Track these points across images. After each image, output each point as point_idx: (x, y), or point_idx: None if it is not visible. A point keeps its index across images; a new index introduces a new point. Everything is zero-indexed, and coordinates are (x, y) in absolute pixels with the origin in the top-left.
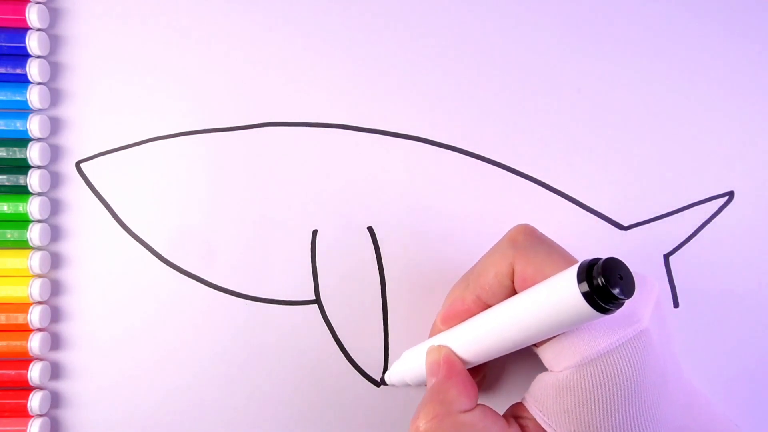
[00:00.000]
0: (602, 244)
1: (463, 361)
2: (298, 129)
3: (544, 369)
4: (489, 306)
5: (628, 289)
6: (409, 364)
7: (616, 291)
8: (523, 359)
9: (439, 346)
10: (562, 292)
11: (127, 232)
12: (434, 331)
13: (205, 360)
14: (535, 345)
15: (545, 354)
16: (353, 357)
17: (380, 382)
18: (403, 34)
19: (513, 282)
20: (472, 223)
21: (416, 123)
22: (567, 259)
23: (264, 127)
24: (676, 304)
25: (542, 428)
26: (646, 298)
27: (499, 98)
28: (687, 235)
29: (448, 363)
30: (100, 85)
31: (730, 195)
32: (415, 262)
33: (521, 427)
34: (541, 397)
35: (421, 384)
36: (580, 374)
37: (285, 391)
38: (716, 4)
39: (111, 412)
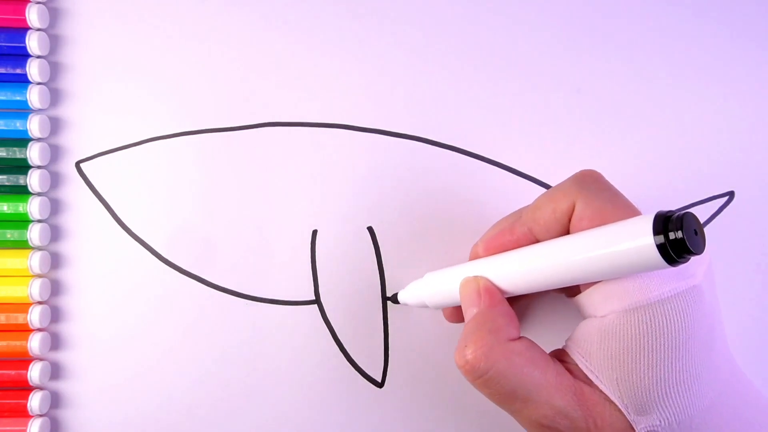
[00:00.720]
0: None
1: (503, 292)
2: (298, 129)
3: (573, 321)
4: (537, 241)
5: (700, 245)
6: (434, 287)
7: (690, 246)
8: (553, 310)
9: (475, 277)
10: (635, 237)
11: (127, 232)
12: (473, 256)
13: (205, 360)
14: (575, 289)
15: (589, 298)
16: (353, 357)
17: (393, 300)
18: (403, 34)
19: (569, 221)
20: (472, 223)
21: (416, 123)
22: (630, 208)
23: (263, 127)
24: None
25: (583, 374)
26: (701, 257)
27: (499, 98)
28: None
29: (489, 293)
30: (100, 85)
31: (730, 195)
32: (415, 262)
33: (567, 370)
34: (584, 343)
35: (440, 306)
36: (628, 319)
37: (285, 391)
38: (716, 4)
39: (111, 412)
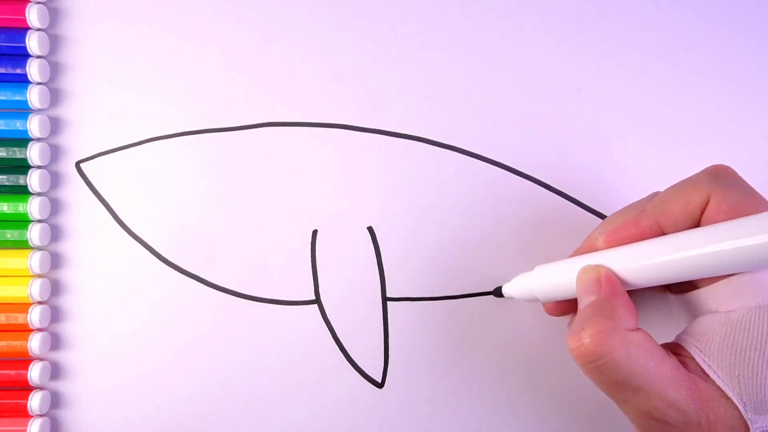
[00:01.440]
0: None
1: (625, 283)
2: (298, 129)
3: (673, 318)
4: (664, 234)
5: None
6: (547, 278)
7: None
8: (655, 308)
9: (596, 265)
10: (763, 230)
11: (127, 232)
12: (587, 248)
13: (205, 360)
14: (688, 286)
15: (715, 292)
16: (353, 357)
17: (496, 294)
18: (403, 34)
19: (701, 215)
20: (472, 223)
21: (416, 123)
22: (766, 205)
23: (264, 127)
24: None
25: (700, 368)
26: None
27: (499, 98)
28: None
29: (610, 282)
30: (100, 85)
31: None
32: (415, 262)
33: (682, 363)
34: (703, 337)
35: (551, 299)
36: (760, 316)
37: (285, 391)
38: (716, 4)
39: (111, 412)
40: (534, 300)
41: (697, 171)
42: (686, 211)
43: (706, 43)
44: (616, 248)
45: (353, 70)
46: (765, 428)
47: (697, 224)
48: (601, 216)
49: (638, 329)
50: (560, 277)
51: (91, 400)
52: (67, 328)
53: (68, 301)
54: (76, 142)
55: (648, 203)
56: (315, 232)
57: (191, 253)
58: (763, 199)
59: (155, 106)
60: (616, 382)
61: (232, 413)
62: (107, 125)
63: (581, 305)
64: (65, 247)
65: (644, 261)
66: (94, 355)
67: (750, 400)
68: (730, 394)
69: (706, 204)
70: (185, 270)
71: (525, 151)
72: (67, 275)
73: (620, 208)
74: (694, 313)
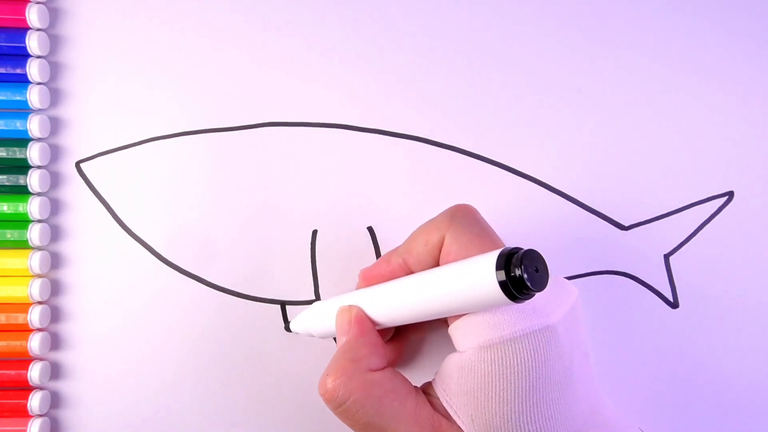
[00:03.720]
0: (602, 244)
1: (374, 323)
2: (298, 129)
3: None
4: (411, 273)
5: (542, 282)
6: (318, 317)
7: (530, 283)
8: (443, 341)
9: (350, 306)
10: (478, 273)
11: (127, 232)
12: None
13: (206, 360)
14: (447, 323)
15: (454, 332)
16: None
17: (285, 329)
18: (403, 34)
19: (440, 254)
20: None
21: (416, 123)
22: (496, 244)
23: (264, 127)
24: (676, 304)
25: (444, 408)
26: (562, 299)
27: (499, 98)
28: (687, 235)
29: (359, 322)
30: (100, 85)
31: (730, 195)
32: None
33: (429, 402)
34: (446, 377)
35: (325, 337)
36: (482, 356)
37: (285, 391)
38: (716, 4)
39: (111, 412)
40: (313, 337)
41: (697, 171)
42: (427, 251)
43: (706, 43)
44: (369, 288)
45: (353, 70)
46: None
47: (437, 264)
48: (602, 216)
49: (383, 368)
50: (329, 315)
51: (91, 400)
52: (67, 328)
53: (68, 301)
54: (76, 142)
55: (402, 243)
56: (315, 232)
57: (191, 253)
58: (495, 240)
59: (155, 106)
60: (363, 425)
61: (232, 413)
62: (107, 125)
63: (336, 347)
64: (65, 247)
65: (380, 301)
66: (94, 355)
67: None
68: None
69: (443, 242)
70: (185, 270)
71: (525, 151)
72: (67, 275)
73: (620, 208)
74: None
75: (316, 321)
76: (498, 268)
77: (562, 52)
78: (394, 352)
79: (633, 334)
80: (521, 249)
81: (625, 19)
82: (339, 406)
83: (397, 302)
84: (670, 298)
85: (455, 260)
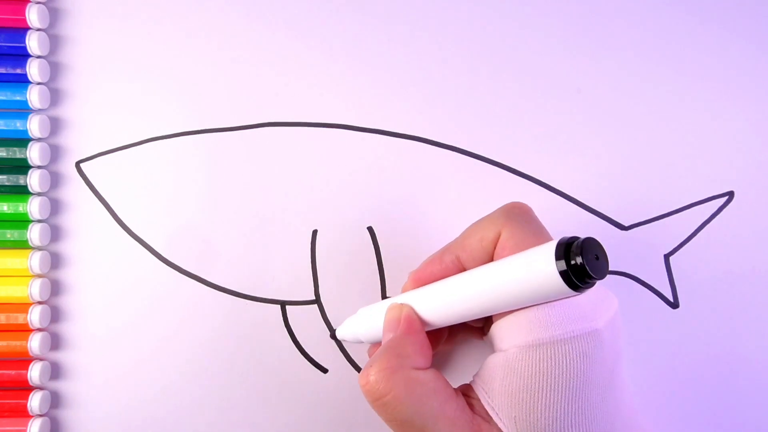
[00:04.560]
0: (603, 244)
1: (424, 323)
2: (298, 129)
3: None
4: (466, 270)
5: (603, 269)
6: (366, 320)
7: (590, 270)
8: (476, 344)
9: (401, 304)
10: (538, 263)
11: (127, 232)
12: (404, 290)
13: (206, 360)
14: (490, 321)
15: (498, 330)
16: (353, 357)
17: (331, 337)
18: (403, 34)
19: (494, 250)
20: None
21: (416, 123)
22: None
23: (264, 127)
24: (676, 304)
25: (485, 410)
26: (606, 306)
27: (499, 98)
28: (687, 235)
29: (407, 320)
30: (100, 85)
31: (730, 195)
32: (415, 262)
33: (468, 404)
34: (488, 378)
35: (375, 341)
36: (530, 355)
37: (285, 391)
38: (716, 4)
39: (111, 412)
40: (361, 342)
41: (697, 171)
42: (482, 247)
43: (706, 43)
44: (421, 288)
45: (353, 70)
46: None
47: (491, 259)
48: (602, 216)
49: (428, 368)
50: (378, 319)
51: (91, 399)
52: (67, 328)
53: (68, 301)
54: (76, 142)
55: (454, 241)
56: (315, 232)
57: (191, 253)
58: (549, 237)
59: (155, 106)
60: (401, 421)
61: (232, 413)
62: (107, 125)
63: (382, 343)
64: (65, 247)
65: (440, 299)
66: (94, 355)
67: None
68: None
69: (498, 239)
70: (185, 270)
71: (525, 152)
72: (67, 275)
73: (620, 208)
74: (492, 352)
75: (365, 324)
76: (558, 257)
77: (562, 52)
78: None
79: (633, 334)
80: (579, 237)
81: (625, 19)
82: (378, 399)
83: (451, 299)
84: (670, 298)
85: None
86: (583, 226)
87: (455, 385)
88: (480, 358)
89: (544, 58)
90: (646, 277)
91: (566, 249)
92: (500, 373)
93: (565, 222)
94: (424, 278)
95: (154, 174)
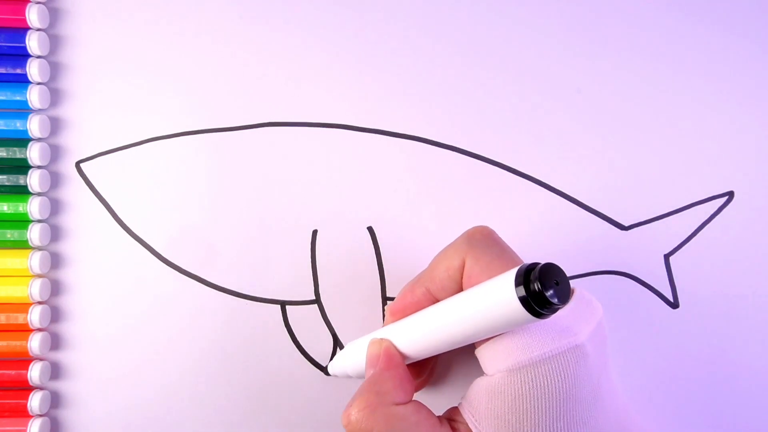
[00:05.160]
0: (602, 244)
1: (404, 356)
2: (298, 129)
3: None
4: (438, 301)
5: (563, 295)
6: (351, 356)
7: (550, 295)
8: (469, 363)
9: (381, 339)
10: (499, 293)
11: (127, 232)
12: (386, 324)
13: (205, 360)
14: (475, 347)
15: (482, 356)
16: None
17: (324, 372)
18: (403, 34)
19: (461, 278)
20: (472, 224)
21: (416, 123)
22: (516, 263)
23: (264, 127)
24: (676, 304)
25: None
26: (588, 317)
27: (499, 98)
28: (687, 235)
29: (387, 356)
30: (100, 85)
31: (730, 195)
32: (415, 262)
33: (453, 429)
34: (474, 401)
35: (362, 376)
36: (512, 379)
37: (285, 391)
38: (716, 4)
39: (111, 412)
40: (351, 378)
41: (697, 171)
42: (449, 276)
43: (706, 43)
44: (398, 322)
45: (353, 70)
46: None
47: (461, 288)
48: (602, 216)
49: (408, 402)
50: (361, 353)
51: (91, 399)
52: (67, 328)
53: (68, 301)
54: (76, 142)
55: (424, 271)
56: (315, 232)
57: (191, 253)
58: (515, 258)
59: (155, 106)
60: None
61: (232, 413)
62: (107, 125)
63: (364, 379)
64: (65, 247)
65: (413, 333)
66: (94, 355)
67: None
68: None
69: (464, 267)
70: (185, 270)
71: (525, 152)
72: (67, 275)
73: (620, 208)
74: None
75: (352, 359)
76: (517, 284)
77: (562, 52)
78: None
79: (633, 334)
80: (539, 264)
81: (626, 19)
82: None
83: (423, 333)
84: (670, 298)
85: (478, 284)
86: (583, 226)
87: (447, 406)
88: (472, 375)
89: (544, 58)
90: (646, 277)
91: (525, 276)
92: (485, 397)
93: (565, 222)
94: (398, 311)
95: (155, 174)
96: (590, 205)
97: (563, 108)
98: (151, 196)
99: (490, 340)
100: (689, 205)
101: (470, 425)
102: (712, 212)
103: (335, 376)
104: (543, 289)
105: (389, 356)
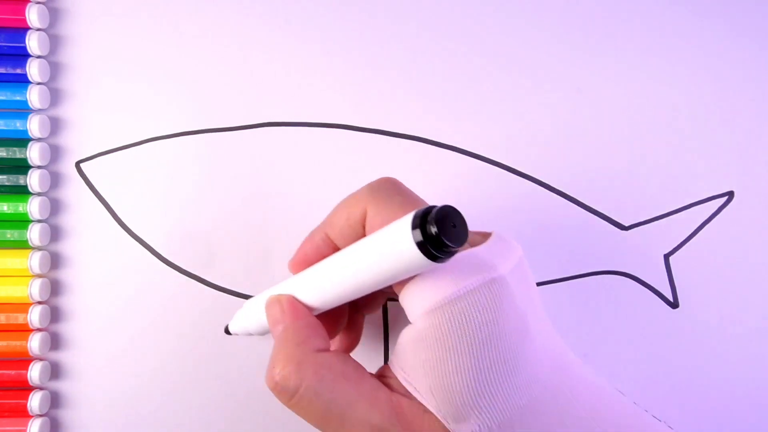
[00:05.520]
0: (602, 244)
1: (309, 308)
2: (298, 129)
3: None
4: (338, 250)
5: (460, 238)
6: (254, 313)
7: (446, 239)
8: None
9: (278, 295)
10: (396, 237)
11: (127, 232)
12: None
13: (205, 359)
14: (396, 295)
15: (404, 304)
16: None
17: (225, 332)
18: (403, 34)
19: (363, 228)
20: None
21: (416, 123)
22: None
23: (264, 127)
24: (676, 304)
25: (404, 387)
26: (506, 254)
27: (499, 98)
28: (687, 235)
29: (292, 307)
30: (100, 85)
31: (730, 195)
32: None
33: (386, 386)
34: (401, 353)
35: (265, 333)
36: (431, 322)
37: None
38: (716, 4)
39: (111, 412)
40: (251, 335)
41: (697, 171)
42: (349, 225)
43: (706, 43)
44: (299, 274)
45: (353, 70)
46: None
47: (360, 237)
48: (602, 216)
49: (329, 351)
50: (262, 309)
51: (91, 400)
52: (67, 328)
53: (68, 301)
54: (76, 142)
55: (324, 220)
56: None
57: (191, 253)
58: (419, 205)
59: (155, 106)
60: (320, 415)
61: (232, 413)
62: (107, 125)
63: (274, 338)
64: (65, 247)
65: (315, 284)
66: (94, 355)
67: (447, 410)
68: (431, 408)
69: (366, 217)
70: (185, 270)
71: (525, 152)
72: (67, 275)
73: (620, 208)
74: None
75: (253, 317)
76: (414, 227)
77: (562, 51)
78: (348, 339)
79: (633, 334)
80: (436, 207)
81: (626, 19)
82: (292, 396)
83: (326, 283)
84: (670, 298)
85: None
86: (583, 226)
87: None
88: None
89: (544, 57)
90: (646, 277)
91: (422, 220)
92: (410, 345)
93: (565, 222)
94: (301, 261)
95: (154, 174)
96: (590, 205)
97: (563, 108)
98: (151, 196)
99: (407, 288)
100: (689, 205)
101: (400, 379)
102: (712, 212)
103: (236, 334)
104: (440, 232)
105: (294, 308)
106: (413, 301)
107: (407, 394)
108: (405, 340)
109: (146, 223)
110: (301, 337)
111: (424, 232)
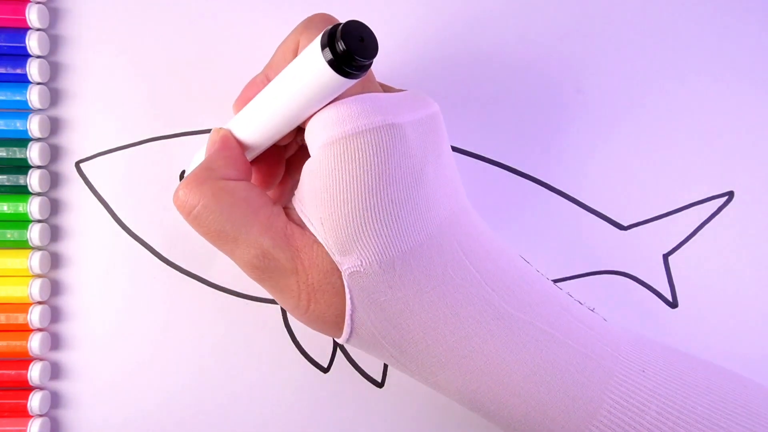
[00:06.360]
0: (602, 244)
1: (243, 145)
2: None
3: None
4: None
5: (369, 51)
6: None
7: (355, 53)
8: None
9: (219, 128)
10: (308, 60)
11: (127, 232)
12: None
13: (205, 359)
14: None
15: (307, 138)
16: (353, 357)
17: (180, 178)
18: (403, 34)
19: None
20: None
21: None
22: None
23: None
24: (675, 304)
25: (299, 217)
26: (415, 107)
27: (499, 98)
28: (687, 235)
29: (222, 139)
30: (100, 85)
31: (730, 195)
32: None
33: (288, 216)
34: (300, 185)
35: None
36: (326, 153)
37: (285, 391)
38: (716, 4)
39: (111, 412)
40: None
41: (697, 171)
42: (284, 59)
43: (706, 43)
44: (238, 113)
45: None
46: (353, 268)
47: None
48: (602, 216)
49: (240, 180)
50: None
51: (91, 400)
52: (67, 328)
53: (68, 301)
54: (76, 142)
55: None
56: None
57: (191, 253)
58: None
59: (155, 106)
60: (216, 232)
61: (232, 412)
62: (107, 125)
63: None
64: (65, 247)
65: (246, 118)
66: (94, 355)
67: (334, 241)
68: (319, 238)
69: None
70: (185, 269)
71: (525, 151)
72: (67, 275)
73: (620, 208)
74: None
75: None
76: (323, 47)
77: (563, 51)
78: (267, 173)
79: None
80: (341, 23)
81: (626, 19)
82: (189, 212)
83: (252, 115)
84: (670, 298)
85: None
86: (583, 226)
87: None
88: None
89: (544, 58)
90: (645, 277)
91: (330, 37)
92: (307, 177)
93: (565, 222)
94: (242, 101)
95: (155, 174)
96: (590, 204)
97: (563, 108)
98: (151, 196)
99: (309, 124)
100: (689, 205)
101: (297, 210)
102: (711, 212)
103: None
104: (348, 47)
105: (224, 139)
106: (314, 134)
107: (302, 225)
108: (304, 173)
109: (146, 223)
110: (214, 165)
111: (333, 50)
